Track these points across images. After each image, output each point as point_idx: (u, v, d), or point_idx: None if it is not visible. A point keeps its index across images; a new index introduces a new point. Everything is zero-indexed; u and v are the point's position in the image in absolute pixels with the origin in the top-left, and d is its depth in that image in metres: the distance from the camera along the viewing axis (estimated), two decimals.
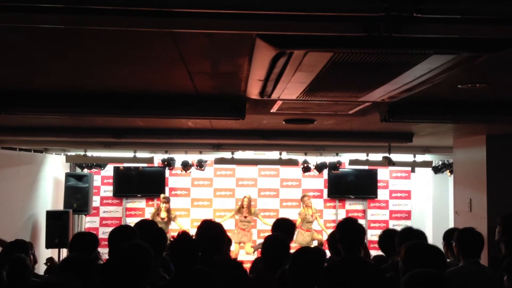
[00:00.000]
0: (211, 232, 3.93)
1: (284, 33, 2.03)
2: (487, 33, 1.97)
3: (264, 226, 10.75)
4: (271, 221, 10.36)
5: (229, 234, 5.27)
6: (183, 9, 1.69)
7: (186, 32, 2.15)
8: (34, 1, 1.65)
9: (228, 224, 11.06)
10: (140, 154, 9.22)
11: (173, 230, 10.03)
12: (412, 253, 3.09)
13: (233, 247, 10.18)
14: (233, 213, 10.70)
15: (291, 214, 11.27)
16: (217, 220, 10.98)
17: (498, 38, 2.11)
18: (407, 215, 11.91)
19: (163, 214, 10.24)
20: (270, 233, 4.40)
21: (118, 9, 1.69)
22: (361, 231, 3.87)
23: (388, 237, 4.46)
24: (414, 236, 3.97)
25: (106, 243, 4.07)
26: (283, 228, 4.44)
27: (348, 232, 3.78)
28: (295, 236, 10.48)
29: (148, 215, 11.47)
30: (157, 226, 4.74)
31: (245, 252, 10.32)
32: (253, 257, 9.66)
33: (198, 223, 4.07)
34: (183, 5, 1.67)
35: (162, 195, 10.57)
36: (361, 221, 11.45)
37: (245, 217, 10.42)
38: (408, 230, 4.25)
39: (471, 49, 2.20)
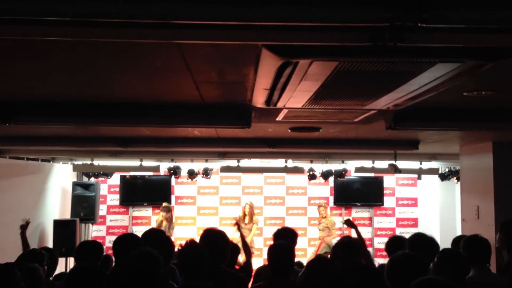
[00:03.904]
0: (217, 240, 3.91)
1: (289, 43, 2.04)
2: (491, 42, 1.97)
3: (269, 235, 10.66)
4: (271, 229, 10.37)
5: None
6: (189, 21, 1.70)
7: (192, 42, 2.17)
8: (41, 14, 1.67)
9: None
10: (146, 163, 9.24)
11: (179, 238, 10.05)
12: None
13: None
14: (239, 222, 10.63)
15: (297, 221, 11.29)
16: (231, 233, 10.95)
17: (503, 47, 2.11)
18: (414, 222, 11.85)
19: (164, 223, 10.08)
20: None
21: (124, 21, 1.70)
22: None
23: (396, 242, 4.43)
24: (425, 242, 3.94)
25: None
26: (285, 236, 4.41)
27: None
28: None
29: (154, 223, 11.48)
30: (164, 234, 4.66)
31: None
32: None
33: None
34: (189, 17, 1.69)
35: (163, 204, 10.35)
36: (368, 229, 11.53)
37: (246, 224, 10.31)
38: (418, 236, 4.24)
39: (476, 57, 2.20)
